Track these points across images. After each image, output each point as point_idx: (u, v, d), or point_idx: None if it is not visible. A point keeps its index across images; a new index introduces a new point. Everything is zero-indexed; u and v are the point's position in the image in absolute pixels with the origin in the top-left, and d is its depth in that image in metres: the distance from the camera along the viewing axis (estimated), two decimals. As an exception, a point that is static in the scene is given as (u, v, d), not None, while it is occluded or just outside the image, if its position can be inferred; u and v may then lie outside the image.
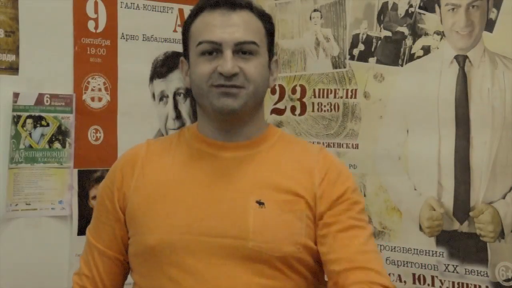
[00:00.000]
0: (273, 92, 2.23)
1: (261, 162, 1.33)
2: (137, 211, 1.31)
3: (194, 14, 1.34)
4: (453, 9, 1.89)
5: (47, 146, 1.94)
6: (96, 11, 2.03)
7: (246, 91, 1.28)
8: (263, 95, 1.34)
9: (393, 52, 2.01)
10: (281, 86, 2.22)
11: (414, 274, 1.96)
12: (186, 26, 1.36)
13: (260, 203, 1.27)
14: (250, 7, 1.33)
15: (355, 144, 2.08)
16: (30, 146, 1.91)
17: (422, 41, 1.96)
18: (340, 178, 1.34)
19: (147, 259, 1.29)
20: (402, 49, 1.99)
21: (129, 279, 1.42)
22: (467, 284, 1.86)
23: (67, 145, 1.97)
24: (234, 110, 1.28)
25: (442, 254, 1.91)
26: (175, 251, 1.25)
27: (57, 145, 1.95)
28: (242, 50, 1.28)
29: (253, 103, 1.31)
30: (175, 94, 2.19)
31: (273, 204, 1.27)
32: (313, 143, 2.07)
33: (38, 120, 1.92)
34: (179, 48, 2.19)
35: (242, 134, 1.34)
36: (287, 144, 1.40)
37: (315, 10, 2.17)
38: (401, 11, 2.00)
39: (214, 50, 1.28)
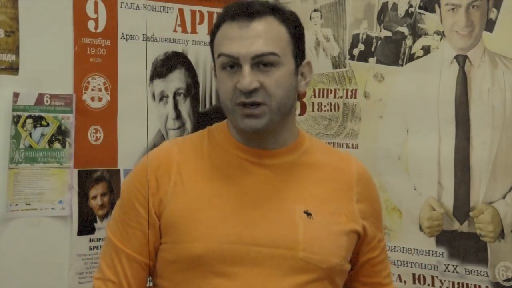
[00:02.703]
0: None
1: (301, 170, 1.32)
2: (178, 218, 1.27)
3: (217, 24, 1.29)
4: (453, 9, 1.89)
5: (47, 146, 1.94)
6: (96, 11, 2.03)
7: (269, 108, 1.23)
8: (290, 105, 1.28)
9: (393, 52, 2.01)
10: (281, 86, 2.22)
11: (414, 274, 1.96)
12: (212, 35, 1.32)
13: (308, 213, 1.27)
14: (273, 12, 1.26)
15: (355, 144, 2.08)
16: (30, 146, 1.91)
17: (422, 41, 1.96)
18: (375, 192, 1.41)
19: (188, 267, 1.25)
20: (402, 49, 1.99)
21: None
22: (467, 284, 1.86)
23: (67, 145, 1.97)
24: (258, 131, 1.25)
25: (442, 254, 1.91)
26: (224, 260, 1.23)
27: (57, 145, 1.95)
28: (261, 62, 1.23)
29: (279, 117, 1.26)
30: (175, 94, 2.18)
31: (320, 215, 1.28)
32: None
33: (38, 120, 1.92)
34: (179, 48, 2.22)
35: (277, 142, 1.31)
36: (318, 149, 1.38)
37: (315, 10, 2.17)
38: (401, 11, 2.00)
39: (234, 64, 1.24)
